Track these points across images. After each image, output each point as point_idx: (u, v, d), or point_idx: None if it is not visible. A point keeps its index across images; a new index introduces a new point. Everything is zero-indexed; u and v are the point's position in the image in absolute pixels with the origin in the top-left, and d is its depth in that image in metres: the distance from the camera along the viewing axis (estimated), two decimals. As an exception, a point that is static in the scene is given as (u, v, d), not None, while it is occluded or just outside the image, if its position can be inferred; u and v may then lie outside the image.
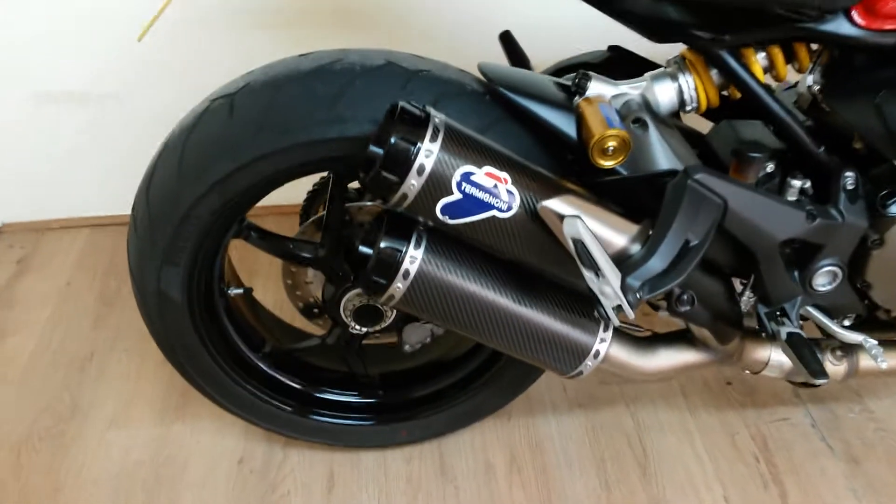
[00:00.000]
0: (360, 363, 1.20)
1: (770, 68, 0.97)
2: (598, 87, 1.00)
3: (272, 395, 1.20)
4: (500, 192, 0.81)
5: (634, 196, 0.92)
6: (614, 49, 1.10)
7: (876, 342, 1.02)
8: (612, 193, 0.92)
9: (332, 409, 1.22)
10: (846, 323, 1.07)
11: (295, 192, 1.09)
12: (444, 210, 0.81)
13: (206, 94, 0.98)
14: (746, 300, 1.03)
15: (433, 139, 0.79)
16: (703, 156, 1.00)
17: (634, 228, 0.87)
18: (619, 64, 1.08)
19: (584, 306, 0.96)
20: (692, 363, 1.07)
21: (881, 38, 0.87)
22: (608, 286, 0.79)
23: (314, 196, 1.16)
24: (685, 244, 0.84)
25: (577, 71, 1.09)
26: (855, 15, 0.86)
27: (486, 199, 0.81)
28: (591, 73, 1.01)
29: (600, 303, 0.80)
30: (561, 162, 0.97)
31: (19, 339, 1.56)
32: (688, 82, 0.98)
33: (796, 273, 0.99)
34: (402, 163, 0.78)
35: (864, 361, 1.11)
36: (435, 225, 0.84)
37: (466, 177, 0.80)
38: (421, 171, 0.79)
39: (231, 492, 1.26)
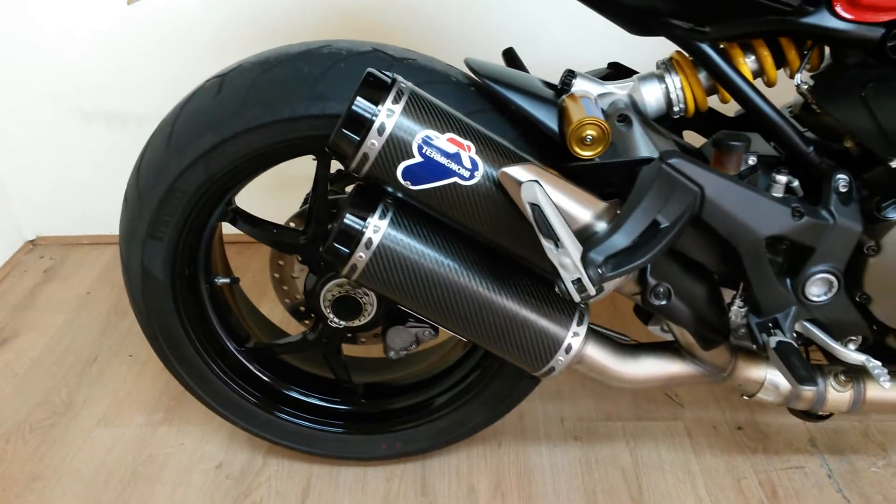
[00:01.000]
0: (342, 366, 1.18)
1: (760, 72, 0.96)
2: (584, 85, 1.00)
3: (251, 391, 1.18)
4: (462, 158, 0.81)
5: (610, 183, 0.90)
6: (614, 66, 1.11)
7: (880, 363, 0.95)
8: (587, 179, 0.90)
9: (310, 413, 1.19)
10: (851, 346, 1.00)
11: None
12: (406, 174, 0.81)
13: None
14: (737, 310, 0.98)
15: (396, 101, 0.80)
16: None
17: (602, 205, 0.85)
18: (617, 78, 1.09)
19: (558, 297, 0.92)
20: (677, 374, 1.00)
21: (866, 31, 0.85)
22: (567, 257, 0.76)
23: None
24: (654, 225, 0.81)
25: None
26: (838, 7, 0.85)
27: (447, 165, 0.81)
28: (576, 71, 1.01)
29: (560, 276, 0.78)
30: (543, 153, 0.97)
31: (31, 338, 1.61)
32: (674, 83, 0.97)
33: (788, 281, 0.93)
34: (364, 122, 0.79)
35: (872, 390, 1.02)
36: (398, 192, 0.84)
37: (427, 141, 0.80)
38: (381, 130, 0.79)
39: (204, 494, 1.23)
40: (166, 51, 1.69)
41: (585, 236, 0.82)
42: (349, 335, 1.16)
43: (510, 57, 1.14)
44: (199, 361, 1.13)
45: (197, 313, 1.12)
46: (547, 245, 0.77)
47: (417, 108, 0.81)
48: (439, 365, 1.24)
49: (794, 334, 0.96)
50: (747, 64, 0.95)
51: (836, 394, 1.02)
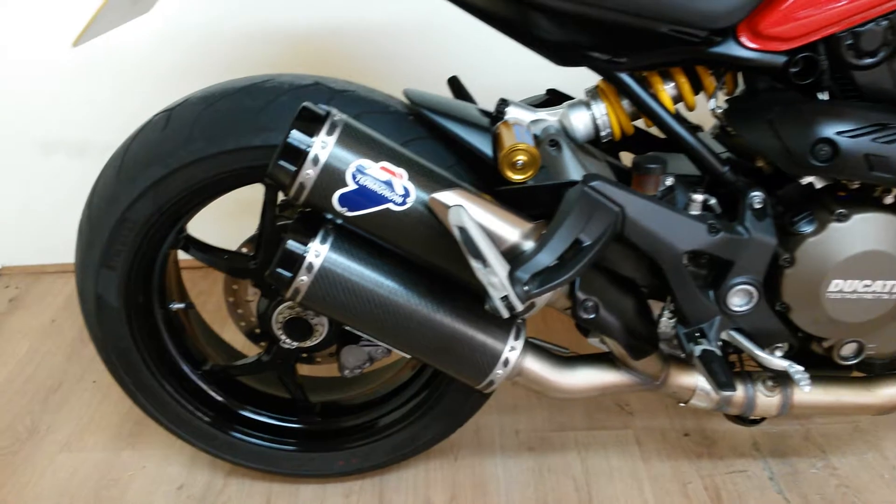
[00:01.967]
0: (298, 386, 1.22)
1: (679, 97, 1.02)
2: (517, 113, 1.06)
3: (209, 413, 1.21)
4: (395, 185, 0.86)
5: (540, 204, 0.95)
6: (551, 92, 1.17)
7: (801, 369, 1.00)
8: (519, 201, 0.95)
9: (267, 433, 1.23)
10: (776, 354, 1.06)
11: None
12: (342, 201, 0.86)
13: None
14: (666, 321, 1.04)
15: (330, 133, 0.85)
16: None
17: (528, 226, 0.90)
18: (555, 105, 1.14)
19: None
20: (613, 384, 1.05)
21: (770, 59, 0.91)
22: (494, 276, 0.81)
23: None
24: (577, 244, 0.87)
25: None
26: (743, 38, 0.91)
27: (380, 192, 0.86)
28: (509, 99, 1.07)
29: (489, 294, 0.82)
30: (479, 179, 1.02)
31: (-5, 367, 1.63)
32: (600, 110, 1.03)
33: (711, 292, 0.99)
34: (299, 153, 0.84)
35: (799, 394, 1.08)
36: (336, 218, 0.89)
37: (361, 169, 0.85)
38: (316, 161, 0.84)
39: (165, 514, 1.26)
40: (126, 81, 1.73)
41: (513, 256, 0.87)
42: (304, 355, 1.19)
43: (455, 85, 1.20)
44: (156, 385, 1.16)
45: (152, 339, 1.16)
46: (475, 265, 0.82)
47: (351, 139, 0.86)
48: (393, 382, 1.28)
49: (721, 342, 1.01)
50: (667, 90, 1.01)
51: (765, 399, 1.07)
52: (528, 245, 0.88)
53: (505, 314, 0.82)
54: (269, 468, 1.26)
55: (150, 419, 1.22)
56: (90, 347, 1.65)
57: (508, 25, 0.96)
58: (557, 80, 1.15)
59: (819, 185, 0.95)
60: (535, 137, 1.05)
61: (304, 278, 0.90)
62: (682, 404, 1.11)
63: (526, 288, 0.82)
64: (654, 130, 1.14)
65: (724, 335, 1.02)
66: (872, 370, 1.13)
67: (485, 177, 1.01)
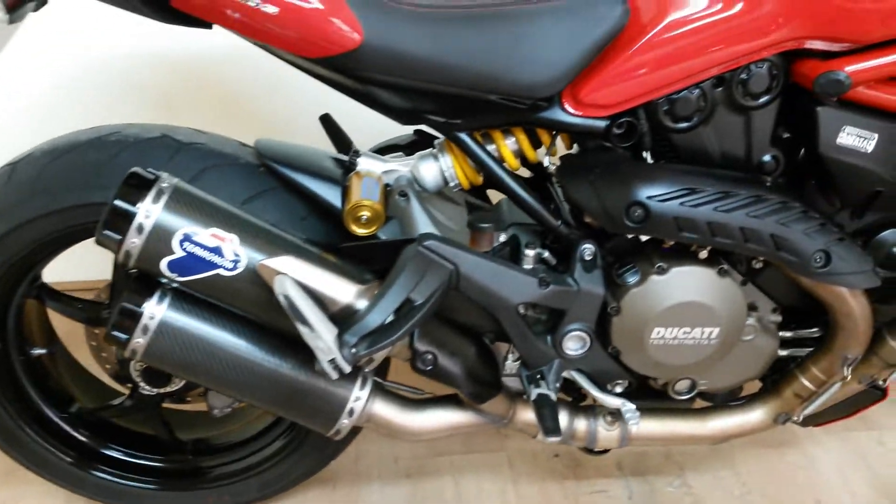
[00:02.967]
0: (164, 427, 1.23)
1: (520, 152, 1.07)
2: (368, 164, 1.09)
3: (77, 455, 1.22)
4: (224, 251, 0.88)
5: (381, 261, 0.99)
6: (419, 133, 1.20)
7: (633, 407, 1.07)
8: (362, 257, 0.99)
9: (134, 472, 1.24)
10: (617, 389, 1.12)
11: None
12: (171, 267, 0.88)
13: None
14: (511, 364, 1.09)
15: (155, 200, 0.87)
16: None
17: (361, 286, 0.93)
18: (423, 145, 1.18)
19: None
20: (462, 424, 1.10)
21: (592, 124, 0.97)
22: (321, 340, 0.84)
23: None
24: (409, 303, 0.91)
25: (380, 151, 1.19)
26: (567, 104, 0.96)
27: (209, 259, 0.88)
28: (362, 151, 1.10)
29: (317, 357, 0.86)
30: (330, 230, 1.05)
31: None
32: (447, 162, 1.07)
33: (549, 337, 1.05)
34: (122, 222, 0.86)
35: (636, 427, 1.15)
36: (169, 282, 0.91)
37: (189, 237, 0.87)
38: (140, 229, 0.86)
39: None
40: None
41: (344, 316, 0.91)
42: (172, 396, 1.21)
43: (328, 123, 1.22)
44: (16, 429, 1.16)
45: (11, 385, 1.15)
46: (302, 329, 0.85)
47: (179, 205, 0.88)
48: (263, 420, 1.30)
49: (561, 382, 1.07)
50: (508, 146, 1.06)
51: (606, 432, 1.14)
52: (362, 305, 0.92)
53: (334, 376, 0.86)
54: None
55: (18, 462, 1.22)
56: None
57: (349, 92, 0.99)
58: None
59: (644, 238, 1.01)
60: (387, 187, 1.09)
61: (139, 340, 0.91)
62: (533, 437, 1.18)
63: (353, 350, 0.86)
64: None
65: (566, 374, 1.08)
66: (714, 400, 1.21)
67: (337, 228, 1.05)
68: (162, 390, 1.13)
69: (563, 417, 1.13)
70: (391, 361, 1.14)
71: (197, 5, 0.88)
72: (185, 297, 0.93)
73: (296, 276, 0.88)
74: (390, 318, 0.89)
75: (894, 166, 0.96)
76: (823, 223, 0.95)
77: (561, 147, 1.09)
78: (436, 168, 1.08)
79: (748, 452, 1.47)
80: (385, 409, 1.06)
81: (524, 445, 1.49)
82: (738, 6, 0.91)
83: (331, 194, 1.05)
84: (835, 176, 0.96)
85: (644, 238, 1.01)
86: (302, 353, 1.00)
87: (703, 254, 1.00)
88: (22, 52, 1.54)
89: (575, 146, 1.07)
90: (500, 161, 1.02)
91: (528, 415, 1.12)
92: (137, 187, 0.87)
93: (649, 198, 0.93)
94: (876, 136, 0.94)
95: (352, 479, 1.42)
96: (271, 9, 0.83)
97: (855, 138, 0.94)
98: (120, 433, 1.27)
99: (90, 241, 0.94)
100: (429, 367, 0.98)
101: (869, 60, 0.91)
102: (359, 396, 1.01)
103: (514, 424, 1.13)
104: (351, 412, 1.01)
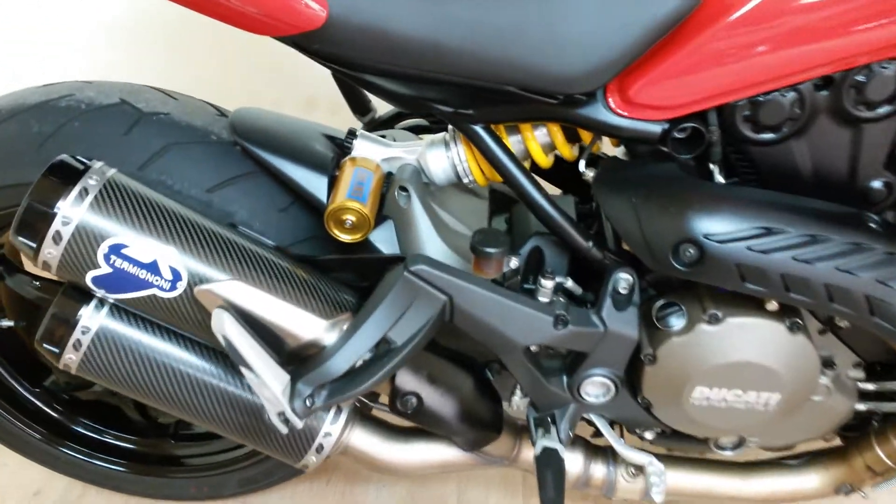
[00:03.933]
0: (140, 408, 1.13)
1: (551, 147, 0.85)
2: (366, 148, 0.90)
3: (46, 434, 1.13)
4: (160, 268, 0.71)
5: (365, 278, 0.81)
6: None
7: (661, 467, 0.89)
8: (343, 273, 0.82)
9: (109, 454, 1.15)
10: (648, 436, 0.94)
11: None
12: (97, 283, 0.72)
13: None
14: (518, 401, 0.92)
15: (77, 202, 0.70)
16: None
17: (328, 322, 0.76)
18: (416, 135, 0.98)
19: None
20: (455, 462, 0.94)
21: (643, 129, 0.74)
22: (267, 390, 0.68)
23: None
24: (386, 343, 0.73)
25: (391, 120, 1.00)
26: (611, 101, 0.74)
27: (141, 276, 0.71)
28: (360, 131, 0.91)
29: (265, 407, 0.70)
30: (314, 226, 0.88)
31: None
32: (459, 154, 0.87)
33: (564, 378, 0.86)
34: (39, 226, 0.70)
35: (669, 478, 0.97)
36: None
37: (116, 249, 0.70)
38: (57, 239, 0.70)
39: (18, 522, 1.20)
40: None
41: (310, 353, 0.74)
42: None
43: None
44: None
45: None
46: (247, 374, 0.69)
47: (109, 207, 0.71)
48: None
49: (572, 432, 0.89)
50: (537, 138, 0.84)
51: (627, 483, 0.97)
52: (330, 340, 0.75)
53: (283, 430, 0.70)
54: (120, 489, 1.19)
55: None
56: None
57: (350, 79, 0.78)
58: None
59: (696, 275, 0.80)
60: (389, 177, 0.90)
61: (71, 356, 0.77)
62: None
63: (308, 402, 0.69)
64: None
65: (586, 415, 0.90)
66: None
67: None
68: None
69: (577, 460, 0.96)
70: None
71: None
72: (123, 309, 0.78)
73: (245, 304, 0.71)
74: (364, 359, 0.72)
75: None
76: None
77: (607, 145, 0.86)
78: (445, 160, 0.88)
79: None
80: (365, 441, 0.90)
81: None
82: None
83: (316, 184, 0.87)
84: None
85: (696, 275, 0.80)
86: None
87: (773, 305, 0.78)
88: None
89: (623, 147, 0.84)
90: (519, 160, 0.81)
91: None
92: (62, 181, 0.71)
93: (708, 236, 0.71)
94: None
95: (347, 475, 1.30)
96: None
97: None
98: (96, 412, 1.17)
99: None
100: (410, 412, 0.82)
101: None
102: (329, 432, 0.85)
103: (518, 465, 0.96)
104: (320, 448, 0.86)
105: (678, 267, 0.73)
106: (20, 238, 0.70)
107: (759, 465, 0.99)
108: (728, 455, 0.95)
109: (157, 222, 0.73)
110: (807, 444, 0.98)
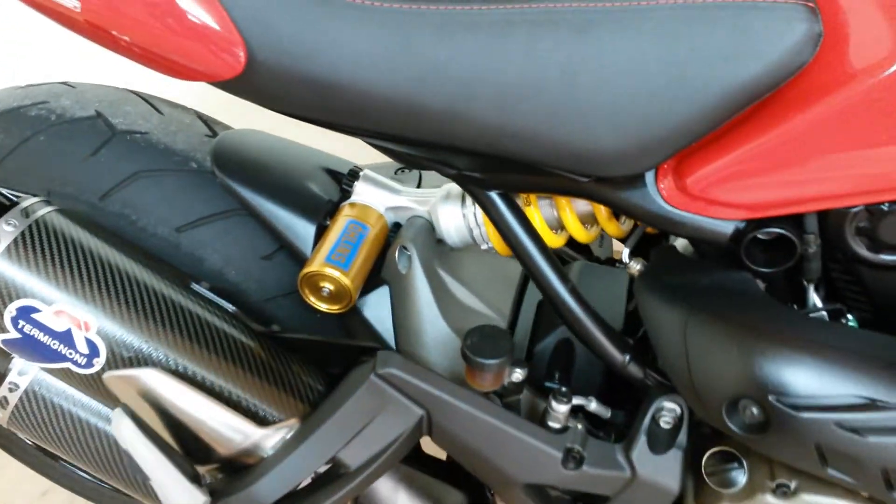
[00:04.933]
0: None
1: (592, 218, 0.65)
2: (369, 193, 0.74)
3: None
4: (75, 340, 0.59)
5: (336, 364, 0.65)
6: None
7: None
8: (309, 355, 0.67)
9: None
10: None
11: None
12: (8, 346, 0.60)
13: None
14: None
15: (-12, 247, 0.58)
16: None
17: (266, 431, 0.60)
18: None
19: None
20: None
21: (709, 226, 0.53)
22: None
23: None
24: (338, 465, 0.58)
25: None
26: (663, 188, 0.53)
27: (54, 347, 0.59)
28: (364, 171, 0.74)
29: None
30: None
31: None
32: (476, 216, 0.69)
33: (578, 514, 0.67)
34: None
35: None
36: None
37: (25, 313, 0.58)
38: None
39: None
40: None
41: (242, 464, 0.60)
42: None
43: None
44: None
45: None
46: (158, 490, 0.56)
47: (24, 258, 0.59)
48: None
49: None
50: (574, 208, 0.64)
51: None
52: (270, 449, 0.60)
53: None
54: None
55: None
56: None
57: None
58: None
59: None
60: (394, 228, 0.74)
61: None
62: None
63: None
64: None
65: None
66: None
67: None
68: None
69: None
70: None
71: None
72: None
73: (165, 399, 0.57)
74: (305, 483, 0.57)
75: None
76: None
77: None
78: (460, 219, 0.70)
79: None
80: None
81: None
82: None
83: (302, 234, 0.72)
84: None
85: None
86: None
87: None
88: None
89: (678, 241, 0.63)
90: (537, 236, 0.62)
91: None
92: None
93: (780, 397, 0.49)
94: None
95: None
96: (72, 2, 0.47)
97: None
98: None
99: None
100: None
101: None
102: None
103: None
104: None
105: (733, 428, 0.52)
106: None
107: None
108: None
109: (82, 282, 0.60)
110: None
